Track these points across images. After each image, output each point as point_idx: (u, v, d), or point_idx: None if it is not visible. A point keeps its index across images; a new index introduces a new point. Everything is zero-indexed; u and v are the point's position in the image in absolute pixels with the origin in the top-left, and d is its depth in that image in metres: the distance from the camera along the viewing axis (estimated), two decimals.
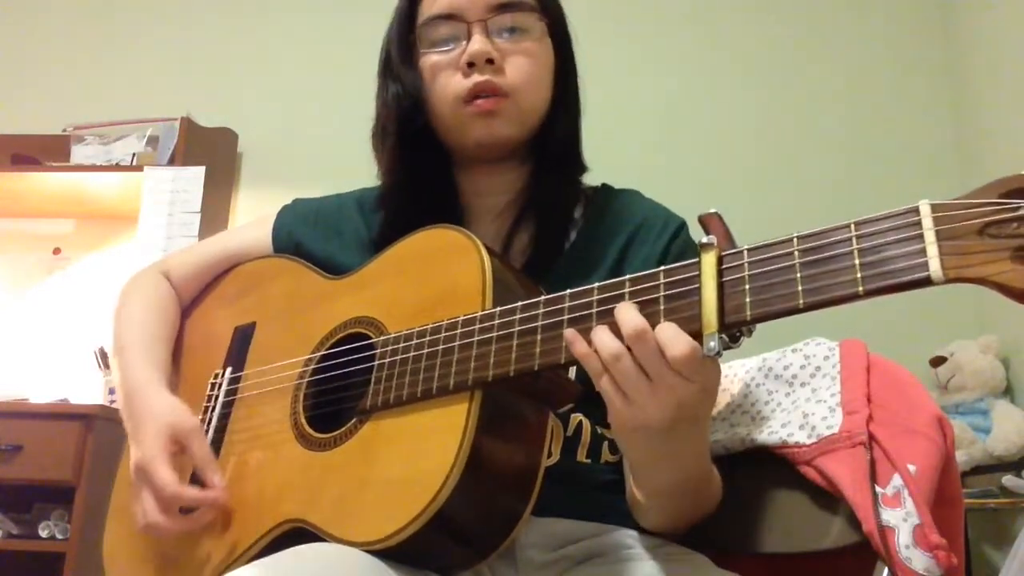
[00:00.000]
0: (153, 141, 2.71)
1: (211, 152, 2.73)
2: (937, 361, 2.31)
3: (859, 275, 0.56)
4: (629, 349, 0.64)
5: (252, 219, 1.10)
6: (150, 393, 0.91)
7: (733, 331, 0.62)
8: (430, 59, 0.93)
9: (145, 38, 3.02)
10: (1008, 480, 2.08)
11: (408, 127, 0.93)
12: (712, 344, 0.61)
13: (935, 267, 0.53)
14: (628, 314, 0.64)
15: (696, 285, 0.63)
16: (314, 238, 1.01)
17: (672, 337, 0.62)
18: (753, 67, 2.83)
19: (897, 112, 2.74)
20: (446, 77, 0.91)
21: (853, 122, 2.75)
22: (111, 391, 2.37)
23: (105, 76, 2.98)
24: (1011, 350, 2.32)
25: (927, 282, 0.53)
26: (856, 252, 0.57)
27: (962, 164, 2.65)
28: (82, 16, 3.06)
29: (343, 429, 0.80)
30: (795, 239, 0.60)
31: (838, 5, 2.85)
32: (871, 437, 0.82)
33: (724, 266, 0.63)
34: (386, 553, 0.70)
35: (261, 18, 3.02)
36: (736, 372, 1.01)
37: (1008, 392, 2.31)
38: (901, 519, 0.76)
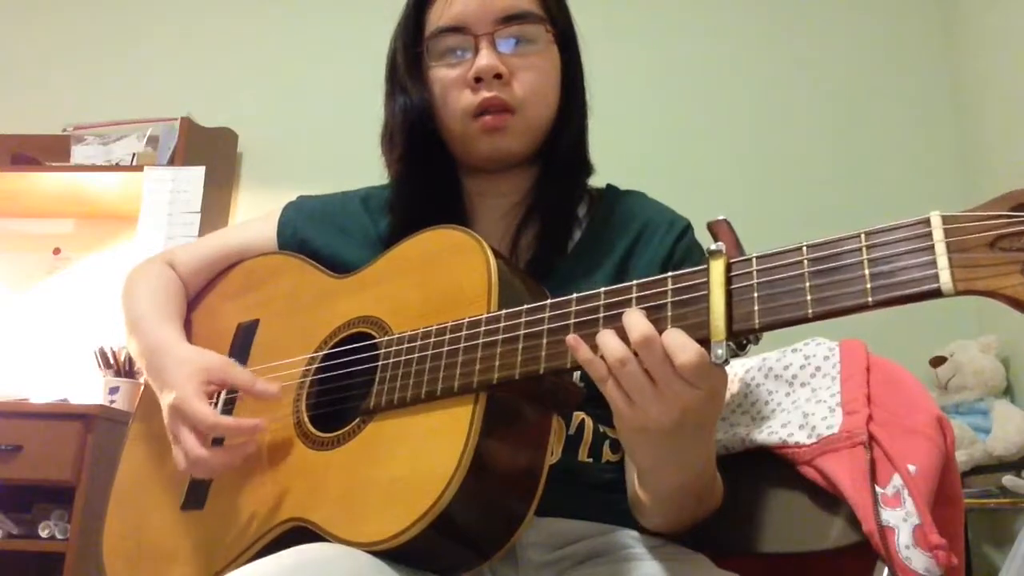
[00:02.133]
0: (153, 141, 2.71)
1: (211, 152, 2.73)
2: (937, 361, 2.31)
3: (868, 285, 0.56)
4: (636, 355, 0.63)
5: (256, 215, 1.10)
6: (173, 347, 0.92)
7: (740, 339, 0.62)
8: (438, 73, 0.93)
9: (145, 38, 3.02)
10: (1008, 480, 2.07)
11: (415, 137, 0.94)
12: (720, 352, 0.61)
13: (945, 279, 0.53)
14: (636, 319, 0.64)
15: (704, 292, 0.63)
16: (319, 235, 1.01)
17: (680, 344, 0.62)
18: (754, 69, 2.83)
19: (898, 113, 2.74)
20: (455, 93, 0.92)
21: (854, 124, 2.75)
22: (111, 391, 2.37)
23: (105, 76, 2.98)
24: (1011, 350, 2.32)
25: (937, 294, 0.53)
26: (866, 262, 0.57)
27: (964, 164, 2.65)
28: (82, 16, 3.06)
29: (346, 428, 0.80)
30: (804, 248, 0.60)
31: (839, 7, 2.85)
32: (871, 437, 0.82)
33: (733, 273, 0.63)
34: (388, 554, 0.70)
35: (261, 18, 3.02)
36: (736, 372, 1.01)
37: (1008, 392, 2.31)
38: (901, 519, 0.76)
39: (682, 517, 0.82)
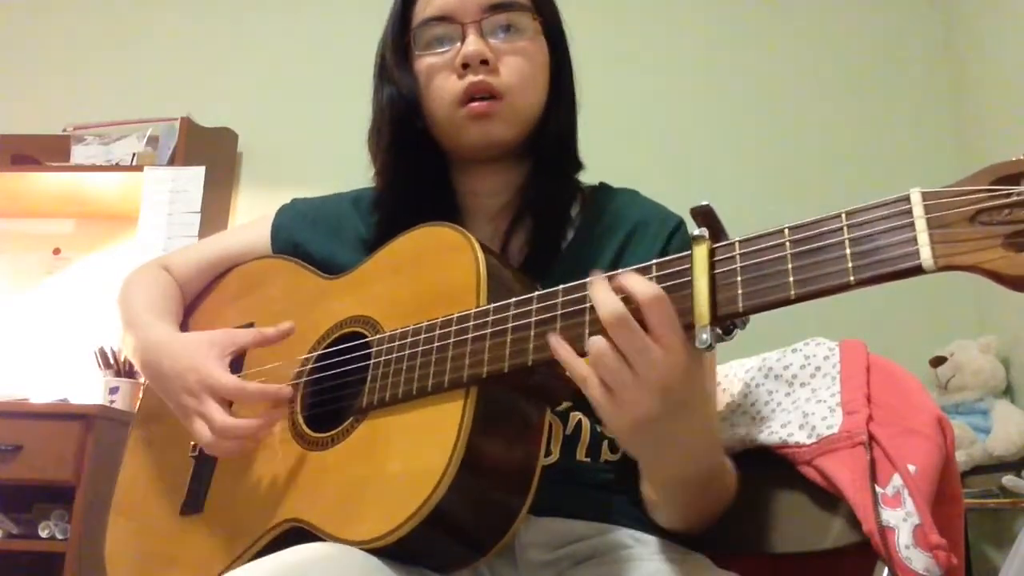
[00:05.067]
0: (153, 141, 2.71)
1: (211, 152, 2.73)
2: (937, 361, 2.31)
3: (850, 265, 0.56)
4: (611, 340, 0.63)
5: (251, 219, 1.10)
6: (173, 337, 0.92)
7: (726, 323, 0.62)
8: (425, 61, 0.93)
9: (145, 38, 3.02)
10: (1008, 480, 2.08)
11: (403, 129, 0.93)
12: (704, 336, 0.61)
13: (926, 255, 0.53)
14: (604, 296, 0.64)
15: (688, 278, 0.63)
16: (313, 238, 1.01)
17: (639, 282, 0.63)
18: (752, 65, 2.83)
19: (896, 111, 2.74)
20: (441, 79, 0.91)
21: (852, 121, 2.75)
22: (111, 391, 2.37)
23: (105, 76, 2.98)
24: (1011, 350, 2.32)
25: (918, 271, 0.53)
26: (847, 242, 0.56)
27: (962, 163, 2.65)
28: (82, 16, 3.06)
29: (340, 428, 0.80)
30: (786, 230, 0.60)
31: (837, 3, 2.85)
32: (871, 437, 0.82)
33: (716, 258, 0.62)
34: (384, 551, 0.70)
35: (261, 18, 3.02)
36: (736, 372, 1.01)
37: (1008, 392, 2.31)
38: (901, 519, 0.76)
39: (692, 510, 0.81)
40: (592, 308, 0.67)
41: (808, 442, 0.86)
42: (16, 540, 2.13)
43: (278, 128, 2.89)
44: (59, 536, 2.11)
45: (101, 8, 3.07)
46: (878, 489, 0.79)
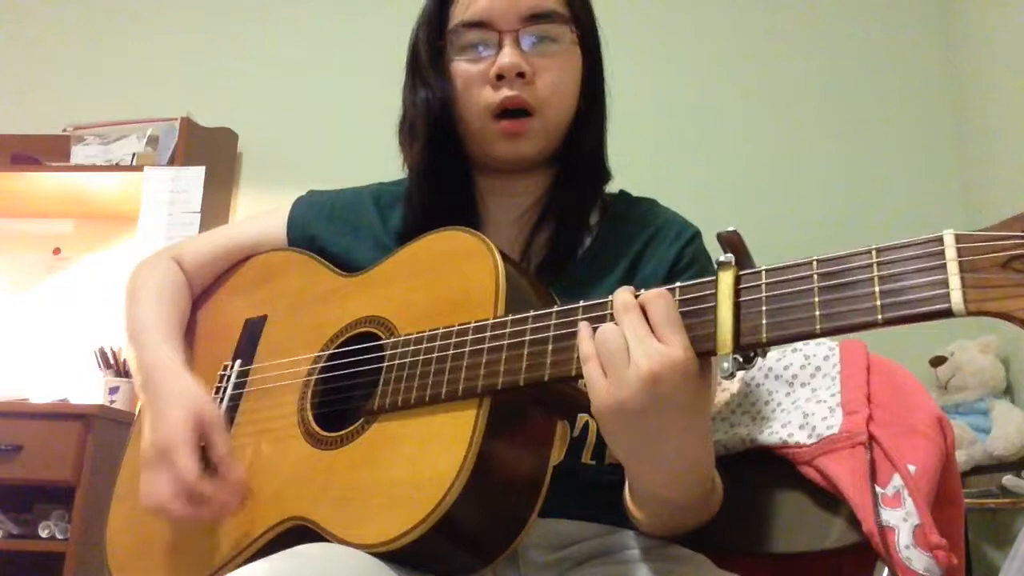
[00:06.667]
0: (153, 141, 2.71)
1: (211, 152, 2.73)
2: (937, 361, 2.31)
3: (878, 303, 0.55)
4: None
5: (267, 209, 1.09)
6: (175, 374, 0.90)
7: (747, 352, 0.61)
8: (460, 67, 0.92)
9: (145, 38, 3.02)
10: (1008, 480, 2.08)
11: (437, 130, 0.93)
12: (726, 365, 0.60)
13: (957, 299, 0.52)
14: (621, 291, 0.66)
15: (712, 304, 0.62)
16: (329, 232, 1.00)
17: (653, 293, 0.65)
18: (753, 73, 2.83)
19: (898, 114, 2.74)
20: (476, 89, 0.91)
21: (855, 126, 2.75)
22: (111, 391, 2.37)
23: (105, 76, 2.98)
24: (1011, 350, 2.32)
25: (948, 313, 0.52)
26: (876, 279, 0.56)
27: (964, 165, 2.65)
28: (82, 16, 3.06)
29: (350, 429, 0.80)
30: (814, 262, 0.59)
31: (839, 9, 2.85)
32: (871, 437, 0.82)
33: (741, 286, 0.62)
34: (389, 556, 0.70)
35: (261, 18, 3.02)
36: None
37: (1008, 392, 2.31)
38: (901, 519, 0.76)
39: (671, 531, 0.82)
40: None
41: (808, 442, 0.86)
42: (16, 540, 2.13)
43: (278, 128, 2.89)
44: (59, 536, 2.11)
45: (101, 8, 3.07)
46: (878, 489, 0.79)
